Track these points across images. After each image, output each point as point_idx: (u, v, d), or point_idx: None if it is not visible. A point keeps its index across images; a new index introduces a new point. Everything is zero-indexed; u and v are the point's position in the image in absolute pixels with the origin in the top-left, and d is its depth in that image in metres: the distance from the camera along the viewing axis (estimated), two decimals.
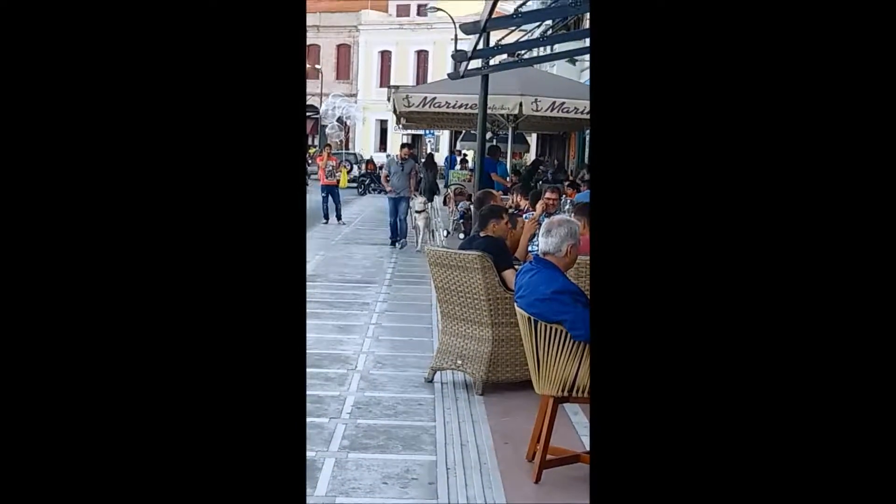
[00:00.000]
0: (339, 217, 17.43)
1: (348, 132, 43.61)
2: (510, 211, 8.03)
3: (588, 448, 4.57)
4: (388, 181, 14.44)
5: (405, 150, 15.05)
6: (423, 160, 24.90)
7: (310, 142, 52.66)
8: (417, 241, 13.83)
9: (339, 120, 43.23)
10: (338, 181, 18.26)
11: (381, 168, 16.39)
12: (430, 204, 15.43)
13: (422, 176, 17.72)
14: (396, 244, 14.10)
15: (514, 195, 9.81)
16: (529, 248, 6.75)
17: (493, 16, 8.01)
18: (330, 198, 17.38)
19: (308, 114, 52.30)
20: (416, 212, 13.94)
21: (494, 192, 9.11)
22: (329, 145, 21.04)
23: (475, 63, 10.76)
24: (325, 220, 17.19)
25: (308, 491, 4.02)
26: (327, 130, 45.29)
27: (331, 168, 17.55)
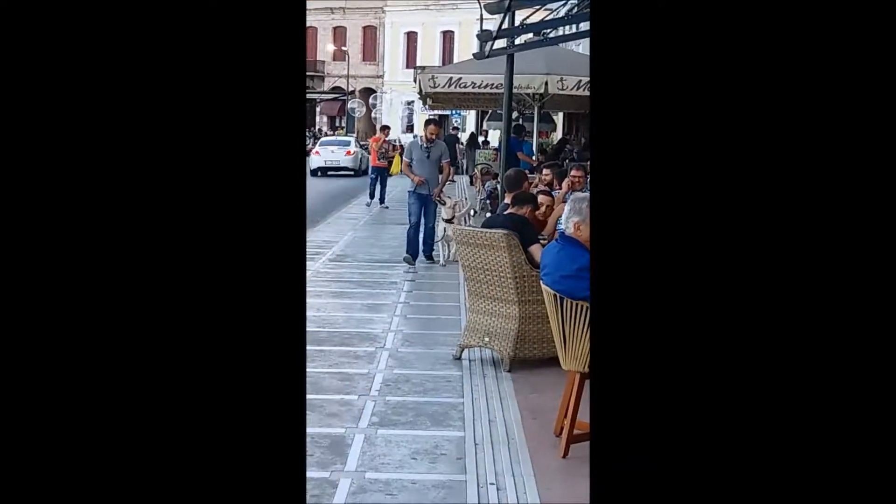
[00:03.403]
0: (381, 200, 17.20)
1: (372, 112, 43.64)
2: (540, 189, 8.08)
3: None
4: (410, 169, 10.24)
5: (432, 127, 10.49)
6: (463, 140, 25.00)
7: (337, 123, 52.83)
8: (445, 255, 10.15)
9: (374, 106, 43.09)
10: (389, 163, 17.90)
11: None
12: (462, 204, 11.40)
13: (465, 155, 17.32)
14: (415, 260, 10.12)
15: (544, 172, 9.78)
16: (557, 226, 6.76)
17: None
18: (379, 180, 17.17)
19: (335, 95, 52.39)
20: (445, 220, 9.95)
21: (526, 172, 9.16)
22: (388, 127, 20.52)
23: (500, 43, 10.71)
24: (370, 202, 17.06)
25: (338, 466, 4.07)
26: (349, 106, 45.25)
27: (384, 150, 17.32)
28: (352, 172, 26.76)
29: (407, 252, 10.09)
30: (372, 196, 17.25)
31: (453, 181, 11.05)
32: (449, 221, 9.86)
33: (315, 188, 20.80)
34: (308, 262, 8.69)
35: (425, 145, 10.21)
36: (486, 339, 5.88)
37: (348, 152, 27.69)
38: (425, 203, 10.04)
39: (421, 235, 10.22)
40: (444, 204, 10.02)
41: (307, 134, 42.43)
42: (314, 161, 26.99)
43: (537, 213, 6.70)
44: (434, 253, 10.31)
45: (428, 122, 10.67)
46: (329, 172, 26.84)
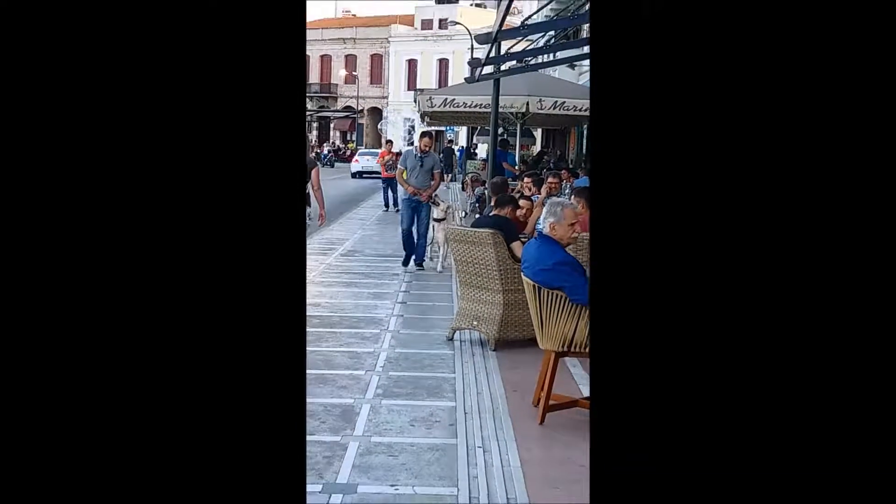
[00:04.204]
0: (395, 204, 17.06)
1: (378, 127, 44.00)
2: (523, 194, 8.09)
3: (585, 395, 4.58)
4: (404, 177, 9.45)
5: (426, 139, 9.57)
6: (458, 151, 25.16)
7: (348, 137, 52.79)
8: (438, 260, 9.33)
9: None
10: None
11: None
12: (455, 208, 10.32)
13: (457, 165, 17.23)
14: (411, 262, 9.27)
15: (525, 181, 9.77)
16: (536, 226, 6.77)
17: (503, 28, 7.97)
18: (389, 188, 17.15)
19: (347, 114, 52.36)
20: (436, 220, 9.17)
21: (508, 179, 9.23)
22: (390, 141, 20.64)
23: (488, 69, 10.70)
24: (385, 209, 17.02)
25: (348, 431, 4.06)
26: (380, 126, 45.64)
27: (391, 162, 17.14)
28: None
29: (404, 249, 9.35)
30: (386, 204, 17.29)
31: (448, 187, 10.68)
32: (439, 221, 9.10)
33: (332, 192, 20.77)
34: (322, 257, 8.68)
35: (419, 155, 9.38)
36: (475, 323, 5.88)
37: (379, 160, 30.75)
38: (418, 210, 9.25)
39: (416, 240, 9.35)
40: (437, 205, 9.22)
41: (327, 147, 42.64)
42: (354, 167, 32.97)
43: (519, 213, 6.69)
44: (427, 257, 9.43)
45: (423, 135, 9.79)
46: (364, 175, 31.34)
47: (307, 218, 7.95)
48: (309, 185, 7.81)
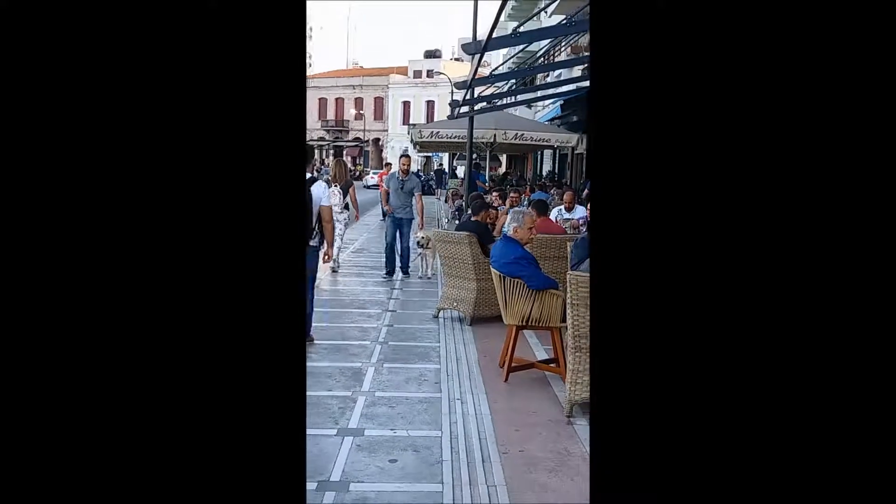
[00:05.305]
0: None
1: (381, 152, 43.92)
2: (492, 206, 8.10)
3: (539, 359, 4.62)
4: (387, 196, 8.27)
5: (404, 160, 8.18)
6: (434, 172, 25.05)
7: (357, 162, 52.74)
8: (422, 268, 8.10)
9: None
10: None
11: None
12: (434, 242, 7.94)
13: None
14: (397, 271, 8.05)
15: (493, 195, 9.79)
16: (503, 230, 6.79)
17: (476, 77, 8.00)
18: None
19: (356, 143, 52.28)
20: (419, 244, 7.92)
21: (482, 194, 9.23)
22: (388, 164, 20.43)
23: (465, 108, 10.73)
24: (382, 218, 17.01)
25: (357, 388, 4.06)
26: (384, 154, 45.68)
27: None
28: None
29: (385, 267, 8.11)
30: (384, 215, 17.25)
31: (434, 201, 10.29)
32: (422, 246, 7.87)
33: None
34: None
35: (401, 178, 8.04)
36: (455, 304, 5.91)
37: (378, 180, 31.92)
38: (400, 226, 8.09)
39: (398, 254, 8.22)
40: (421, 228, 8.06)
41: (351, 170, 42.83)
42: (368, 181, 32.87)
43: (488, 218, 6.64)
44: (411, 269, 8.22)
45: (402, 155, 8.42)
46: (372, 187, 30.79)
47: (346, 219, 8.15)
48: (348, 198, 8.04)
